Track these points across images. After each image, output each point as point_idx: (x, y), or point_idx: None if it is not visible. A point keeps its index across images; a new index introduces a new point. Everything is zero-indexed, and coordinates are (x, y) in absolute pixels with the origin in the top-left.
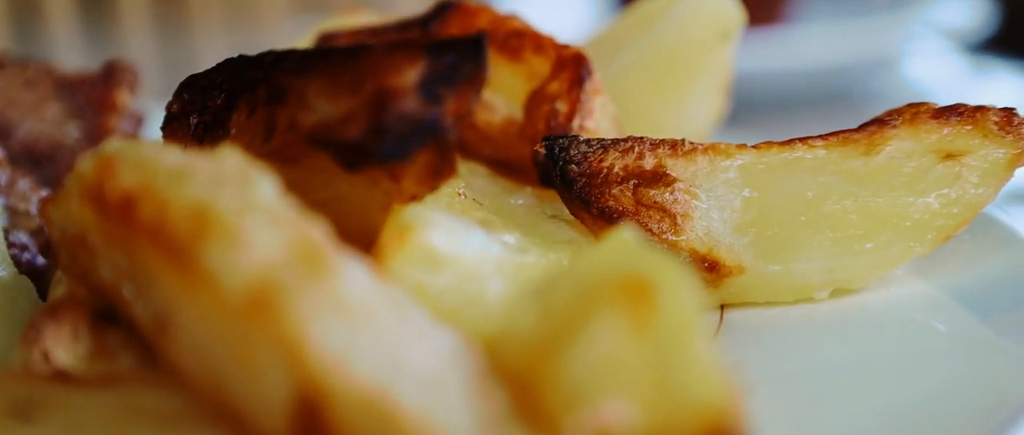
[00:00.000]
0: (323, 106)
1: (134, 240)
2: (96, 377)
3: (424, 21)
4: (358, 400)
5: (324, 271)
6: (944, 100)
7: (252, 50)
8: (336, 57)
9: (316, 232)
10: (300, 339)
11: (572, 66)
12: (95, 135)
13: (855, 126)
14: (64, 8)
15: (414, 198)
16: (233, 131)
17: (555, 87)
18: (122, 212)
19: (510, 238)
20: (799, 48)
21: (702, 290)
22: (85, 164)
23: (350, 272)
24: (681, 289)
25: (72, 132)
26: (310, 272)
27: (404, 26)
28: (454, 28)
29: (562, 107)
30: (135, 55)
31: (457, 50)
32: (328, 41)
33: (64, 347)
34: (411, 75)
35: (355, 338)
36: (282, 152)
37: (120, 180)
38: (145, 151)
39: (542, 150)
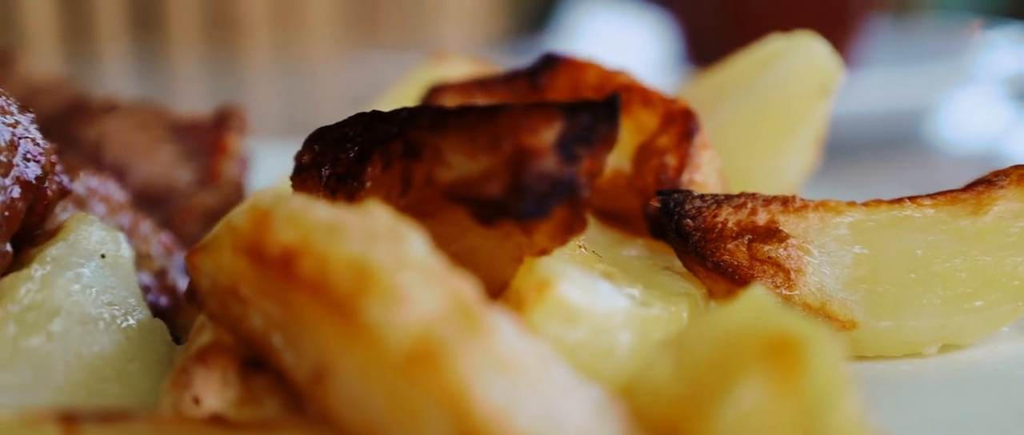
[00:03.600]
0: (461, 163)
1: (292, 293)
2: (250, 422)
3: (531, 73)
4: None
5: (480, 326)
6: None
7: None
8: (472, 115)
9: (467, 288)
10: (464, 392)
11: (681, 121)
12: (206, 178)
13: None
14: (116, 35)
15: (544, 252)
16: (368, 184)
17: (664, 141)
18: (282, 266)
19: (634, 291)
20: (861, 93)
21: (844, 348)
22: (239, 217)
23: (503, 327)
24: (827, 347)
25: (184, 175)
26: (467, 327)
27: (511, 78)
28: (563, 82)
29: (671, 161)
30: (184, 83)
31: (593, 112)
32: (437, 94)
33: (214, 392)
34: (549, 135)
35: (513, 392)
36: (419, 206)
37: (279, 235)
38: (296, 205)
39: (657, 204)
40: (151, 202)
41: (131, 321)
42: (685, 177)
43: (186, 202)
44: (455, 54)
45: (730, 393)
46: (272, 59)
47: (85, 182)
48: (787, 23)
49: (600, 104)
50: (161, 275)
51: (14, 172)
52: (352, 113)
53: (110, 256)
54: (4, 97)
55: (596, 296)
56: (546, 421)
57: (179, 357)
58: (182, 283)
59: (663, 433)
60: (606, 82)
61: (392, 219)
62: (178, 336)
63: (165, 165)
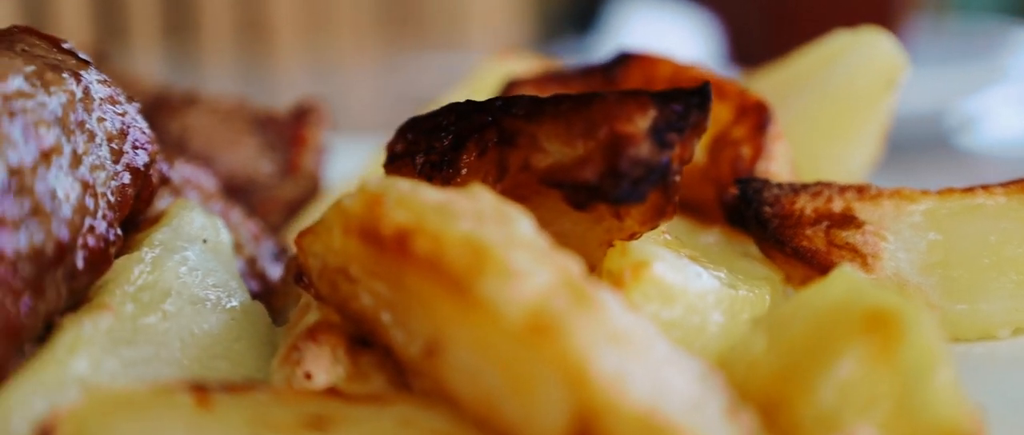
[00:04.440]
0: (557, 149)
1: (405, 271)
2: (365, 396)
3: (606, 68)
4: (633, 419)
5: (591, 301)
6: None
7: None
8: (566, 104)
9: (573, 265)
10: (583, 362)
11: (754, 112)
12: (287, 170)
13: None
14: (148, 38)
15: (633, 236)
16: (464, 171)
17: (738, 132)
18: (397, 246)
19: (720, 274)
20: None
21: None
22: (349, 200)
23: (610, 302)
24: (923, 320)
25: (265, 166)
26: (579, 302)
27: (586, 72)
28: (636, 77)
29: (746, 152)
30: (216, 86)
31: (684, 100)
32: (514, 88)
33: (324, 368)
34: (642, 122)
35: (626, 362)
36: (515, 191)
37: (392, 216)
38: (405, 188)
39: (736, 192)
40: (234, 193)
41: (234, 303)
42: (760, 167)
43: (269, 193)
44: (515, 52)
45: (829, 366)
46: (302, 62)
47: (180, 171)
48: (830, 23)
49: (691, 92)
50: (251, 262)
51: (124, 159)
52: (400, 112)
53: (211, 241)
54: (113, 87)
55: (689, 277)
56: (656, 390)
57: (287, 335)
58: (271, 269)
59: (761, 405)
60: (679, 75)
61: (497, 201)
62: (273, 318)
63: (247, 157)
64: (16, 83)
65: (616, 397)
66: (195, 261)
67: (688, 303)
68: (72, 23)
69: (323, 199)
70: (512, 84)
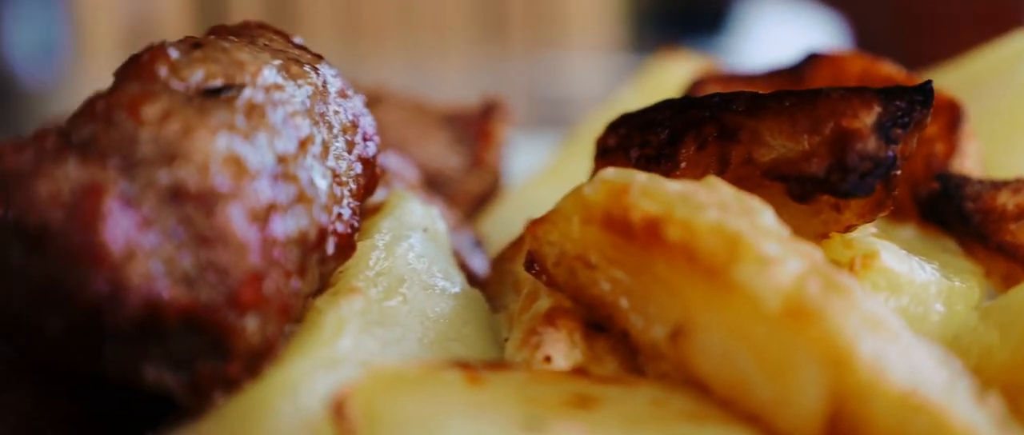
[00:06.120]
0: (780, 144)
1: (652, 258)
2: (612, 377)
3: (794, 68)
4: (894, 399)
5: (843, 287)
6: None
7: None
8: (790, 100)
9: (817, 253)
10: (847, 345)
11: (947, 110)
12: (472, 163)
13: None
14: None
15: (849, 229)
16: (682, 164)
17: (931, 130)
18: (647, 234)
19: (934, 266)
20: None
21: None
22: (591, 190)
23: (858, 289)
24: None
25: (453, 160)
26: (832, 288)
27: (773, 74)
28: (825, 76)
29: (940, 149)
30: None
31: (908, 96)
32: (701, 86)
33: (563, 352)
34: (868, 118)
35: (882, 346)
36: (738, 183)
37: (641, 206)
38: (645, 180)
39: (935, 188)
40: (425, 186)
41: (457, 288)
42: (954, 164)
43: (457, 187)
44: (687, 54)
45: None
46: (398, 60)
47: (387, 162)
48: (964, 27)
49: (915, 89)
50: (454, 252)
51: (356, 150)
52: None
53: (430, 230)
54: (344, 80)
55: (913, 268)
56: (913, 372)
57: (516, 321)
58: (472, 259)
59: (1004, 388)
60: (869, 73)
61: (737, 192)
62: None
63: (436, 152)
64: (271, 76)
65: (878, 378)
66: (420, 249)
67: (913, 293)
68: (170, 17)
69: (505, 193)
70: (698, 84)
